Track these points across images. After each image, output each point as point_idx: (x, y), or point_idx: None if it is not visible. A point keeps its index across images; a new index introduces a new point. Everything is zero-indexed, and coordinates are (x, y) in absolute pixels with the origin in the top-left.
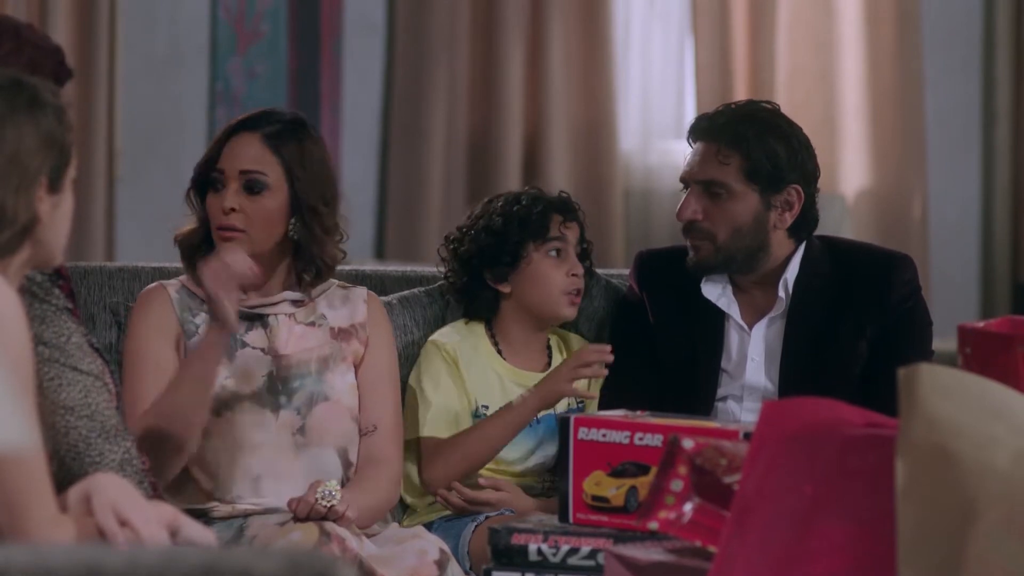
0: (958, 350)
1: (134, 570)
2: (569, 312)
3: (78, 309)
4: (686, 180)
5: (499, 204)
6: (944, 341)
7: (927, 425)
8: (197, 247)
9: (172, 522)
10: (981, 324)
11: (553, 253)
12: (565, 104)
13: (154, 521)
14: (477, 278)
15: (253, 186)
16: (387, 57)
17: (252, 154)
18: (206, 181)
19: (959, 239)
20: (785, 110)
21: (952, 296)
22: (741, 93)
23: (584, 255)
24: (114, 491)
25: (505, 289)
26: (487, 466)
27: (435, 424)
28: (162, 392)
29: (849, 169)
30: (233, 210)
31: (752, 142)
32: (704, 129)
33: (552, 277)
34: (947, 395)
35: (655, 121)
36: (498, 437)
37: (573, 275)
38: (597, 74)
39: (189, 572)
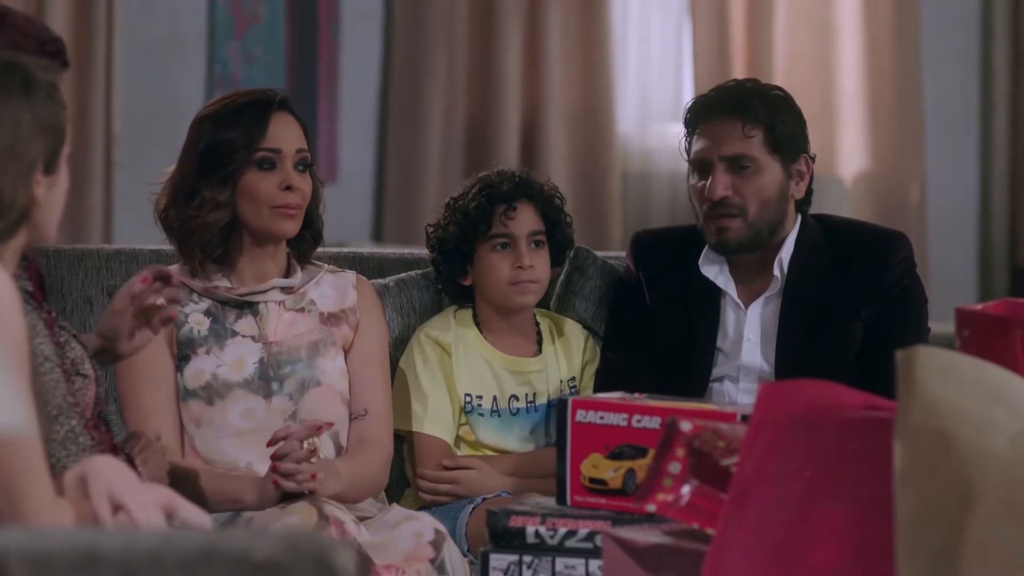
0: (956, 333)
1: (132, 554)
2: (522, 300)
3: (42, 291)
4: (707, 159)
5: (451, 199)
6: (942, 324)
7: (925, 408)
8: (217, 235)
9: (169, 504)
10: (979, 307)
11: (499, 247)
12: (563, 88)
13: (151, 504)
14: (445, 274)
15: (305, 164)
16: (385, 41)
17: (298, 134)
18: (243, 161)
19: (957, 222)
20: None
21: (950, 279)
22: (739, 77)
23: (554, 234)
24: (110, 475)
25: (467, 282)
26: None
27: (435, 423)
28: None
29: (847, 152)
30: (297, 189)
31: (772, 114)
32: (723, 106)
33: (498, 270)
34: (945, 378)
35: (653, 105)
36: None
37: (518, 267)
38: (595, 58)
39: (187, 555)
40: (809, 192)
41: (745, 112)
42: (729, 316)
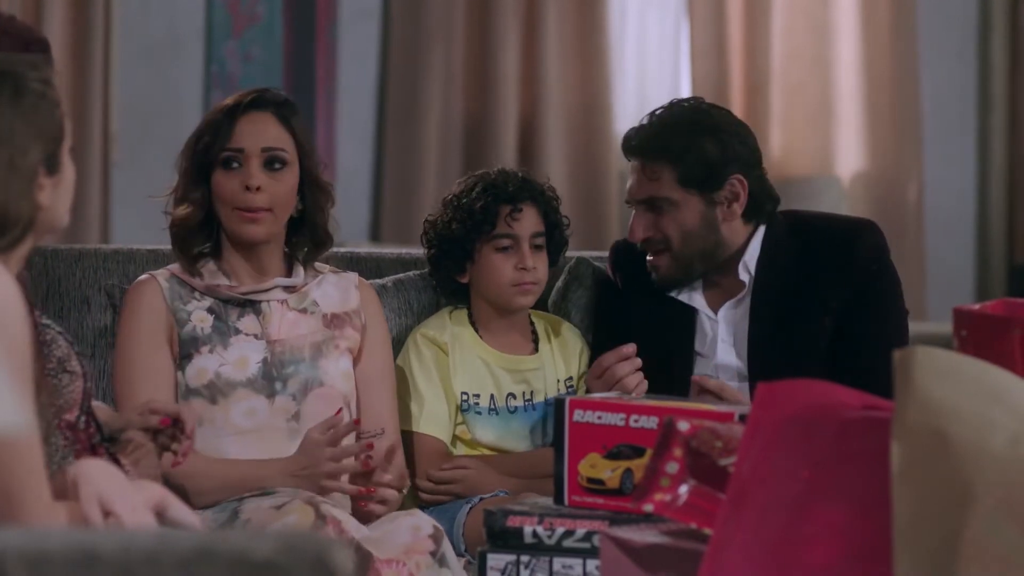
0: (954, 333)
1: (130, 553)
2: (522, 301)
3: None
4: (628, 201)
5: (451, 196)
6: (940, 324)
7: (923, 408)
8: (195, 232)
9: (160, 503)
10: (977, 307)
11: (502, 248)
12: (561, 87)
13: (140, 507)
14: (442, 272)
15: (275, 163)
16: (383, 40)
17: (271, 131)
18: (212, 161)
19: (955, 221)
20: (781, 93)
21: (948, 278)
22: (737, 77)
23: (553, 236)
24: (100, 480)
25: (464, 280)
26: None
27: (431, 423)
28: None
29: (845, 152)
30: (258, 189)
31: (677, 150)
32: (631, 147)
33: (501, 271)
34: (943, 377)
35: (651, 103)
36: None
37: (521, 268)
38: (593, 57)
39: (185, 555)
40: (770, 195)
41: (646, 153)
42: (704, 321)
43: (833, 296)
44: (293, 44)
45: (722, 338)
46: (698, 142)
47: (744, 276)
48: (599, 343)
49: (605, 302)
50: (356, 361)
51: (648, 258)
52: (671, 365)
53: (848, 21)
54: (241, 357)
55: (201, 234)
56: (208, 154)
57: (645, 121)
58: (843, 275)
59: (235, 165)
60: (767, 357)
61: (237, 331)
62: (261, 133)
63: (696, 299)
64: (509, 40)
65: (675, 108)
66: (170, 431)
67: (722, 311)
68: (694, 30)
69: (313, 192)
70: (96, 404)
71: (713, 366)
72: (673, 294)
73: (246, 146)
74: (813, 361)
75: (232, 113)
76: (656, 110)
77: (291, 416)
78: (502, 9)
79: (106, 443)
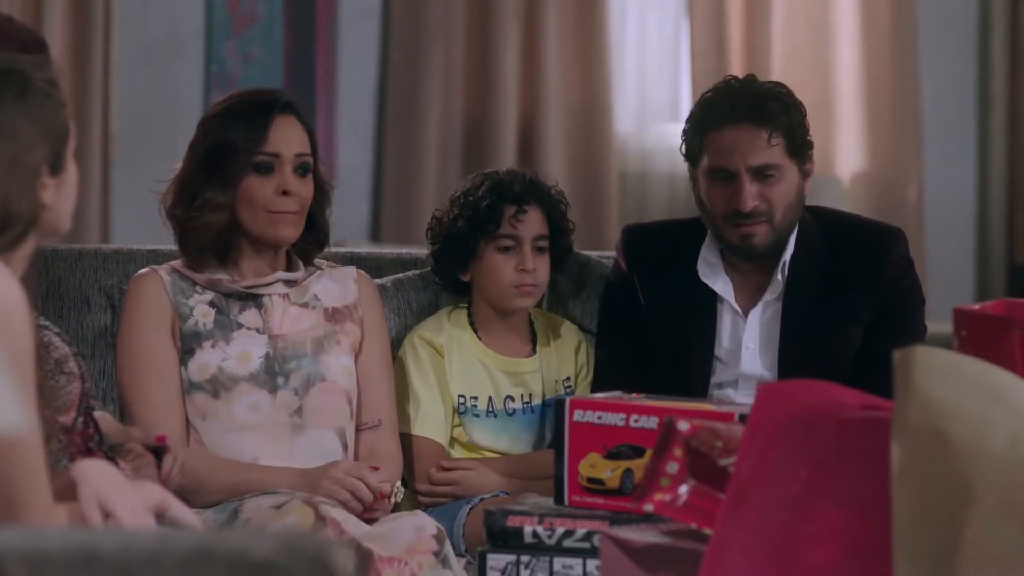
0: (954, 333)
1: (130, 553)
2: (522, 302)
3: None
4: (731, 169)
5: (459, 193)
6: (940, 323)
7: (923, 408)
8: (218, 236)
9: (159, 504)
10: (977, 307)
11: (504, 249)
12: (561, 87)
13: (139, 509)
14: (445, 268)
15: (306, 168)
16: (383, 40)
17: (300, 137)
18: (243, 165)
19: (955, 221)
20: None
21: (948, 278)
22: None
23: (557, 240)
24: (99, 481)
25: (466, 278)
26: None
27: (427, 425)
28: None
29: (845, 152)
30: (293, 193)
31: (788, 119)
32: (744, 112)
33: (501, 271)
34: (943, 378)
35: (651, 104)
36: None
37: (522, 270)
38: (593, 57)
39: (184, 555)
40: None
41: (767, 120)
42: (726, 322)
43: (862, 306)
44: (293, 44)
45: (746, 344)
46: (795, 113)
47: (779, 275)
48: (607, 339)
49: (613, 296)
50: (356, 355)
51: (745, 228)
52: (689, 368)
53: (848, 21)
54: (243, 352)
55: (221, 239)
56: (237, 156)
57: (737, 86)
58: (874, 286)
59: (266, 170)
60: (797, 365)
61: (239, 325)
62: (293, 138)
63: (728, 292)
64: (509, 40)
65: (765, 82)
66: (164, 451)
67: (753, 313)
68: (694, 30)
69: (319, 192)
70: (99, 414)
71: (735, 374)
72: (708, 282)
73: (282, 151)
74: (840, 371)
75: (265, 115)
76: (731, 81)
77: (294, 411)
78: (502, 9)
79: (104, 448)
